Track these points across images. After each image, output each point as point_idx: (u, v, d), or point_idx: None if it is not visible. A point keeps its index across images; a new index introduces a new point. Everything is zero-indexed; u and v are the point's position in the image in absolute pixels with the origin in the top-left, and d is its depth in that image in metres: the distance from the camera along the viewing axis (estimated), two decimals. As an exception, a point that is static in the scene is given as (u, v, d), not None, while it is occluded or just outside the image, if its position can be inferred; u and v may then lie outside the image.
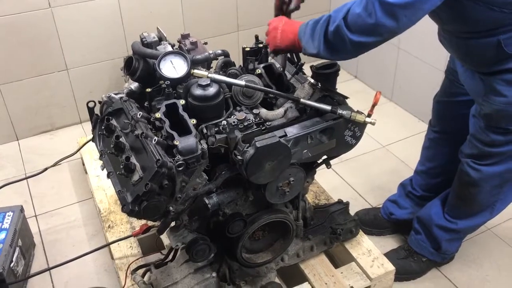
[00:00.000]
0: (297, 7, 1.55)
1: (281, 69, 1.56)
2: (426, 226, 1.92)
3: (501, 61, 1.44)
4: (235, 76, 1.49)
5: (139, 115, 1.37)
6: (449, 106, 1.84)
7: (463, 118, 1.73)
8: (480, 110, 1.57)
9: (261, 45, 1.60)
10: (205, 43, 1.72)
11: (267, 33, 1.50)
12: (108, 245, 1.91)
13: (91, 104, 1.55)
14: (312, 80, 1.49)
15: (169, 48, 1.61)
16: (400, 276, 1.91)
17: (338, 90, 1.52)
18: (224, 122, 1.36)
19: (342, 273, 1.79)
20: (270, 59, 1.61)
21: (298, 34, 1.41)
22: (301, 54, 1.49)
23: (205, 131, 1.36)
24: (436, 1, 1.26)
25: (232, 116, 1.40)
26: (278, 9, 1.57)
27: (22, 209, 2.06)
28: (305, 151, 1.43)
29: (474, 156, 1.66)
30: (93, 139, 1.56)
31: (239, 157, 1.32)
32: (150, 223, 1.79)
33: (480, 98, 1.55)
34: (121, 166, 1.31)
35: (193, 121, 1.33)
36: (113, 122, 1.45)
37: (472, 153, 1.67)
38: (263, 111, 1.45)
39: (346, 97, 1.49)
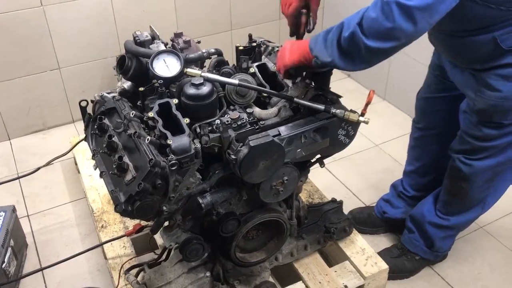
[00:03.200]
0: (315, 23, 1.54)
1: (274, 68, 1.56)
2: (419, 224, 1.93)
3: (496, 57, 1.44)
4: (228, 75, 1.49)
5: (132, 114, 1.36)
6: (433, 102, 1.85)
7: (447, 114, 1.73)
8: (473, 106, 1.57)
9: (254, 44, 1.60)
10: (199, 42, 1.71)
11: (277, 59, 1.48)
12: (101, 245, 1.90)
13: (83, 103, 1.54)
14: (305, 79, 1.49)
15: (162, 47, 1.60)
16: (394, 274, 1.92)
17: (331, 89, 1.52)
18: (218, 121, 1.36)
19: (336, 271, 1.79)
20: (264, 58, 1.61)
21: (308, 46, 1.38)
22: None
23: (198, 130, 1.35)
24: (451, 2, 1.24)
25: (225, 115, 1.39)
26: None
27: (14, 209, 2.05)
28: (299, 150, 1.43)
29: (466, 151, 1.67)
30: (85, 139, 1.55)
31: (233, 156, 1.32)
32: (143, 222, 1.79)
33: (472, 94, 1.55)
34: (114, 166, 1.30)
35: (187, 120, 1.33)
36: (106, 121, 1.44)
37: (464, 149, 1.67)
38: (257, 110, 1.45)
39: (340, 96, 1.49)
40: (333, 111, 1.40)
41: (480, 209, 1.82)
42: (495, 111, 1.51)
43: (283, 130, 1.38)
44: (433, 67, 1.83)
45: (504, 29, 1.38)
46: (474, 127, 1.60)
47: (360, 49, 1.27)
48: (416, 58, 2.79)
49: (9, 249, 1.91)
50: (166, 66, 1.44)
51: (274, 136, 1.35)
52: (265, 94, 1.49)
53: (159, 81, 1.40)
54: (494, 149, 1.61)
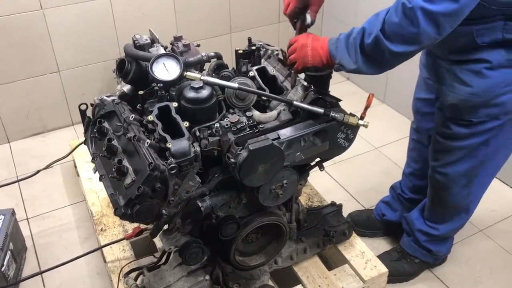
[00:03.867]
0: (312, 22, 1.52)
1: (274, 71, 1.56)
2: (411, 230, 1.94)
3: (471, 50, 1.45)
4: (228, 78, 1.49)
5: (132, 117, 1.36)
6: (425, 103, 1.86)
7: None
8: (445, 101, 1.57)
9: (254, 48, 1.60)
10: (198, 45, 1.72)
11: (292, 50, 1.46)
12: (100, 248, 1.90)
13: (83, 107, 1.54)
14: (305, 83, 1.49)
15: (162, 50, 1.60)
16: (393, 278, 1.92)
17: (331, 93, 1.52)
18: (217, 125, 1.36)
19: (335, 275, 1.79)
20: (263, 62, 1.61)
21: (328, 51, 1.38)
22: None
23: (198, 133, 1.35)
24: (473, 4, 1.25)
25: (225, 119, 1.39)
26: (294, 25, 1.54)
27: (13, 212, 2.05)
28: (298, 153, 1.43)
29: (437, 152, 1.68)
30: (85, 142, 1.55)
31: (232, 160, 1.32)
32: (143, 226, 1.79)
33: (445, 87, 1.56)
34: (114, 169, 1.30)
35: (186, 123, 1.33)
36: (105, 124, 1.44)
37: (435, 149, 1.69)
38: (256, 114, 1.45)
39: (339, 100, 1.50)
40: (333, 114, 1.40)
41: (465, 215, 1.84)
42: (464, 106, 1.52)
43: (283, 133, 1.38)
44: (421, 69, 1.84)
45: (482, 24, 1.39)
46: (444, 125, 1.60)
47: (384, 53, 1.29)
48: (415, 61, 2.78)
49: (8, 252, 1.91)
50: (165, 70, 1.45)
51: (273, 139, 1.35)
52: (265, 98, 1.49)
53: (158, 85, 1.40)
54: (464, 150, 1.60)
